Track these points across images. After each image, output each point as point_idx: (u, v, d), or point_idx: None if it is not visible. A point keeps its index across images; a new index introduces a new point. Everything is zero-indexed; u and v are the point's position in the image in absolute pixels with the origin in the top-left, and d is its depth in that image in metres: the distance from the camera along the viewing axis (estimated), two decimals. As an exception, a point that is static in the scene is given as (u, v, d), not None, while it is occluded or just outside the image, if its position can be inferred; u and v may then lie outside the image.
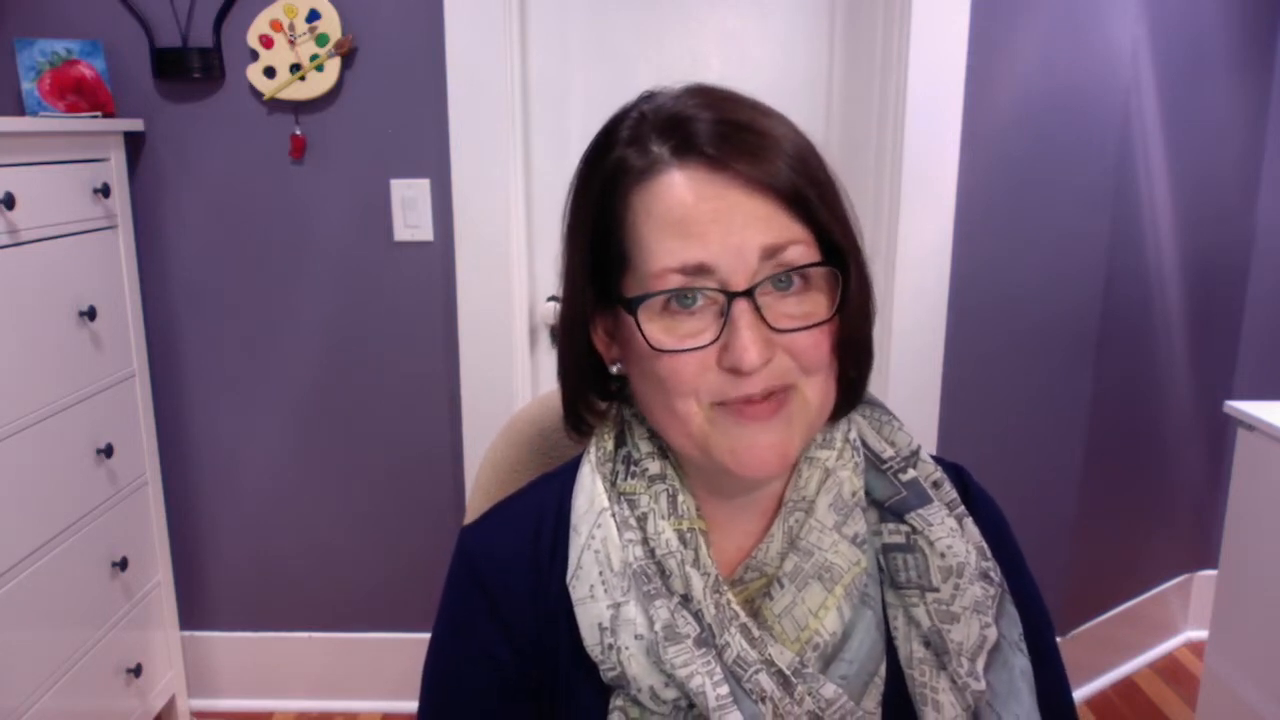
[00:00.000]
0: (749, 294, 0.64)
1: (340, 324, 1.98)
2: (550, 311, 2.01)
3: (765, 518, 0.74)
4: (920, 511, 0.72)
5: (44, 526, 1.63)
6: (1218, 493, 2.27)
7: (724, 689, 0.66)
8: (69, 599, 1.70)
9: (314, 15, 1.80)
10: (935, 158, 1.86)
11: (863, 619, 0.70)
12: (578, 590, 0.70)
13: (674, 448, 0.72)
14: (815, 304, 0.67)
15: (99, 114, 1.78)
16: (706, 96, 0.68)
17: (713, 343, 0.65)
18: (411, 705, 0.79)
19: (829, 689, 0.67)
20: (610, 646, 0.68)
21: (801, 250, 0.65)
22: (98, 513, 1.77)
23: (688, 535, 0.70)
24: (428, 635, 0.78)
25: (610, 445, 0.75)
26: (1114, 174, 1.89)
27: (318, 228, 1.93)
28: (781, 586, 0.70)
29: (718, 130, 0.65)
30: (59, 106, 1.77)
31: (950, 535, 0.71)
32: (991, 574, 0.72)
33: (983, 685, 0.69)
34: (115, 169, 1.82)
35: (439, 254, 1.93)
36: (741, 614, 0.69)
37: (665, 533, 0.70)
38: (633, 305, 0.66)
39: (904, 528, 0.73)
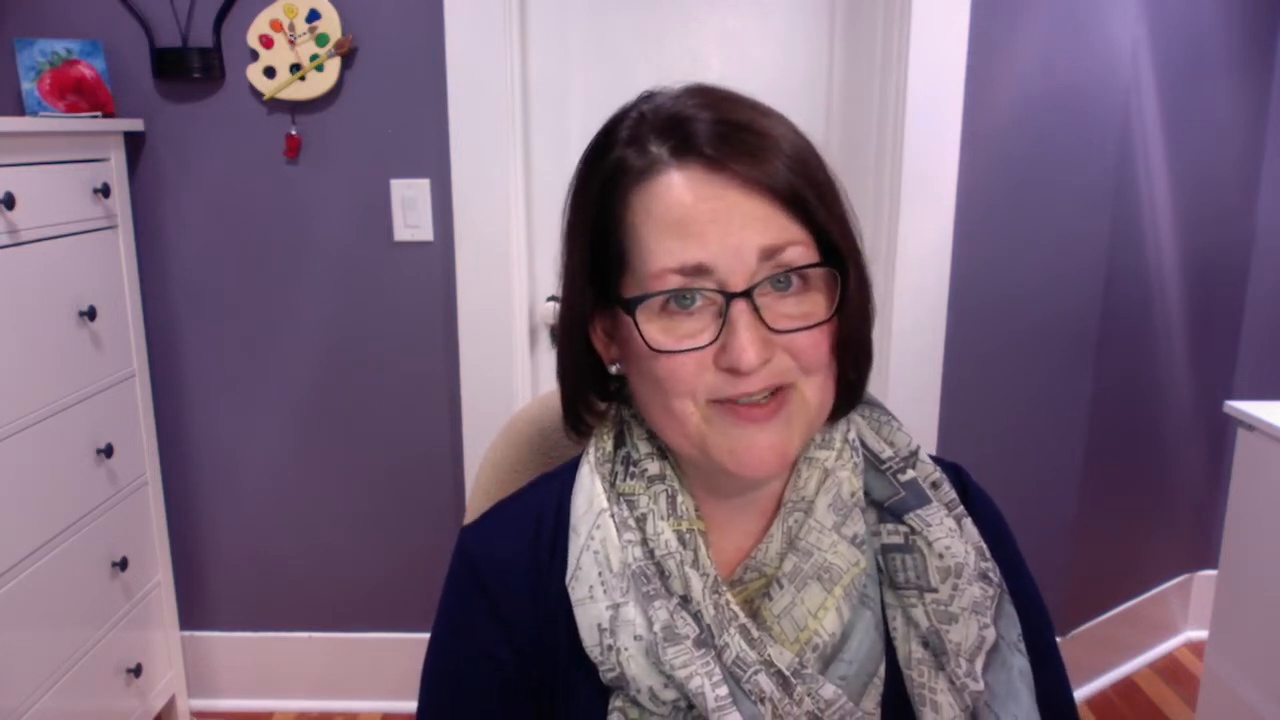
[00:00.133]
0: (747, 294, 0.64)
1: (340, 324, 1.98)
2: (550, 311, 2.01)
3: (764, 518, 0.74)
4: (919, 512, 0.72)
5: (44, 526, 1.63)
6: (1218, 493, 2.27)
7: (723, 690, 0.66)
8: (69, 599, 1.70)
9: (314, 15, 1.80)
10: (935, 158, 1.86)
11: (862, 619, 0.70)
12: (577, 591, 0.70)
13: (672, 448, 0.72)
14: (814, 304, 0.67)
15: (99, 114, 1.78)
16: (706, 97, 0.68)
17: (711, 343, 0.65)
18: (411, 705, 0.79)
19: (828, 689, 0.67)
20: (609, 647, 0.68)
21: (800, 251, 0.65)
22: (98, 513, 1.77)
23: (687, 536, 0.70)
24: (428, 635, 0.78)
25: (609, 446, 0.75)
26: (1114, 174, 1.89)
27: (318, 228, 1.93)
28: (781, 587, 0.70)
29: (717, 130, 0.65)
30: (59, 106, 1.77)
31: (949, 536, 0.71)
32: (990, 574, 0.72)
33: (981, 686, 0.69)
34: (115, 169, 1.82)
35: (439, 254, 1.93)
36: (741, 615, 0.69)
37: (664, 533, 0.70)
38: (631, 306, 0.66)
39: (903, 528, 0.73)
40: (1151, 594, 2.32)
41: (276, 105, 1.86)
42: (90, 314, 1.72)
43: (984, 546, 0.73)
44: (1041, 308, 1.96)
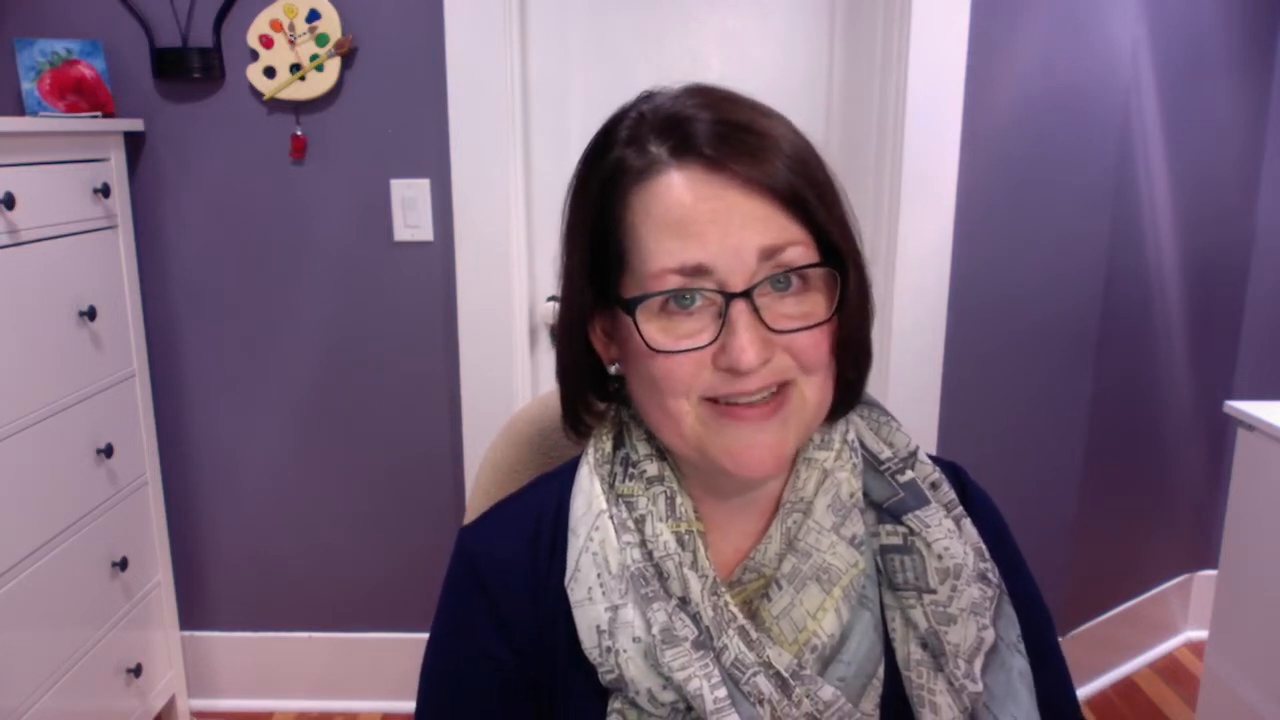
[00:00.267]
0: (747, 295, 0.64)
1: (340, 324, 1.98)
2: (550, 311, 2.01)
3: (763, 519, 0.74)
4: (918, 513, 0.72)
5: (44, 526, 1.63)
6: (1218, 493, 2.27)
7: (722, 691, 0.66)
8: (69, 599, 1.70)
9: (314, 15, 1.80)
10: (935, 158, 1.86)
11: (861, 620, 0.70)
12: (576, 592, 0.70)
13: (670, 448, 0.72)
14: (814, 304, 0.67)
15: (99, 114, 1.78)
16: (705, 97, 0.68)
17: (711, 343, 0.65)
18: (411, 705, 0.79)
19: (827, 691, 0.67)
20: (608, 649, 0.68)
21: (800, 251, 0.65)
22: (98, 513, 1.77)
23: (685, 537, 0.70)
24: (427, 635, 0.78)
25: (609, 447, 0.75)
26: (1114, 174, 1.89)
27: (318, 228, 1.93)
28: (779, 588, 0.70)
29: (716, 131, 0.65)
30: (59, 106, 1.77)
31: (948, 537, 0.71)
32: (989, 575, 0.72)
33: (980, 687, 0.69)
34: (115, 169, 1.82)
35: (439, 254, 1.93)
36: (739, 616, 0.69)
37: (663, 535, 0.70)
38: (631, 306, 0.66)
39: (901, 529, 0.72)
40: (1151, 594, 2.32)
41: (278, 105, 1.86)
42: (90, 314, 1.72)
43: (983, 547, 0.73)
44: (1041, 308, 1.96)
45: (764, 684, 0.67)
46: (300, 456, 2.04)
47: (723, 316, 0.65)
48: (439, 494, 2.05)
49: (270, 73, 1.83)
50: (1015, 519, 0.83)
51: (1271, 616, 1.54)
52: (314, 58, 1.82)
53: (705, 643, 0.67)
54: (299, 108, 1.86)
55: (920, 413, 1.97)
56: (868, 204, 1.93)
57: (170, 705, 2.07)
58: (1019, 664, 0.71)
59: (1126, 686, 2.24)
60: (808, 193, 0.65)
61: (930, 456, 0.76)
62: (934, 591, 0.70)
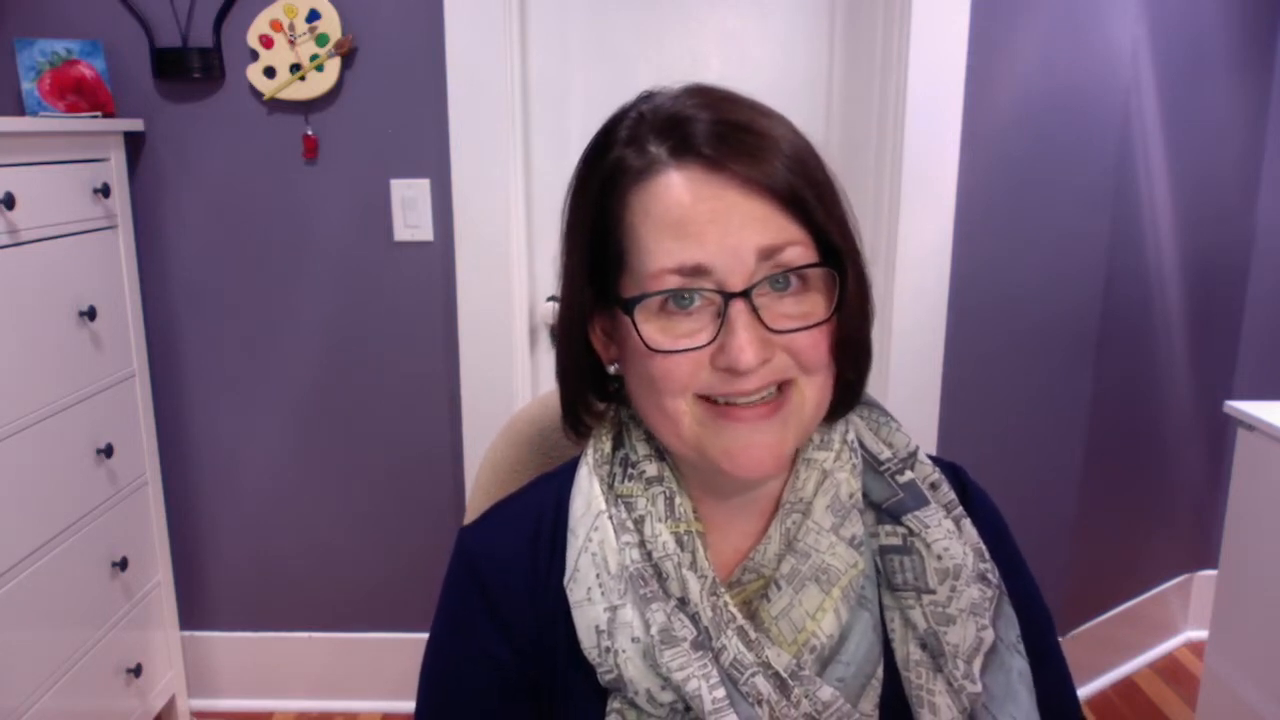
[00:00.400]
0: (746, 295, 0.64)
1: (340, 324, 1.98)
2: (550, 311, 2.01)
3: (763, 519, 0.74)
4: (917, 513, 0.72)
5: (44, 526, 1.63)
6: (1218, 493, 2.27)
7: (720, 692, 0.66)
8: (69, 599, 1.70)
9: (314, 15, 1.80)
10: (935, 158, 1.86)
11: (860, 621, 0.70)
12: (575, 593, 0.70)
13: (669, 448, 0.72)
14: (813, 304, 0.67)
15: (99, 114, 1.78)
16: (705, 97, 0.68)
17: (709, 343, 0.65)
18: (411, 705, 0.79)
19: (826, 691, 0.67)
20: (607, 649, 0.68)
21: (799, 251, 0.65)
22: (98, 513, 1.77)
23: (685, 538, 0.70)
24: (427, 635, 0.78)
25: (608, 447, 0.75)
26: (1114, 174, 1.89)
27: (318, 228, 1.93)
28: (779, 588, 0.70)
29: (715, 131, 0.65)
30: (59, 106, 1.77)
31: (947, 537, 0.71)
32: (989, 575, 0.72)
33: (979, 687, 0.69)
34: (115, 169, 1.82)
35: (439, 254, 1.93)
36: (738, 616, 0.69)
37: (662, 535, 0.70)
38: (630, 306, 0.66)
39: (901, 529, 0.72)
40: (1151, 594, 2.32)
41: (278, 105, 1.86)
42: (90, 314, 1.72)
43: (983, 547, 0.73)
44: (1041, 308, 1.96)
45: (762, 684, 0.67)
46: (300, 456, 2.04)
47: (721, 316, 0.65)
48: (439, 494, 2.05)
49: (270, 73, 1.83)
50: (1015, 519, 0.83)
51: (1271, 616, 1.54)
52: (314, 58, 1.82)
53: (704, 643, 0.67)
54: (300, 107, 1.86)
55: (920, 413, 1.97)
56: (868, 204, 1.93)
57: (170, 705, 2.07)
58: (1018, 664, 0.71)
59: (1126, 686, 2.24)
60: (807, 193, 0.65)
61: (930, 457, 0.76)
62: (933, 592, 0.70)
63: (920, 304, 1.93)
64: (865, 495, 0.74)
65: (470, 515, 0.89)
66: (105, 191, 1.77)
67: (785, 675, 0.67)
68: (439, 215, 1.91)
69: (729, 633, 0.68)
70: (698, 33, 1.92)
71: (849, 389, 0.73)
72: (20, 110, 1.79)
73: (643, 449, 0.74)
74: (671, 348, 0.66)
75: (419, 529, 2.07)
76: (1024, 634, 0.73)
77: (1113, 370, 2.03)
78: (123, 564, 1.83)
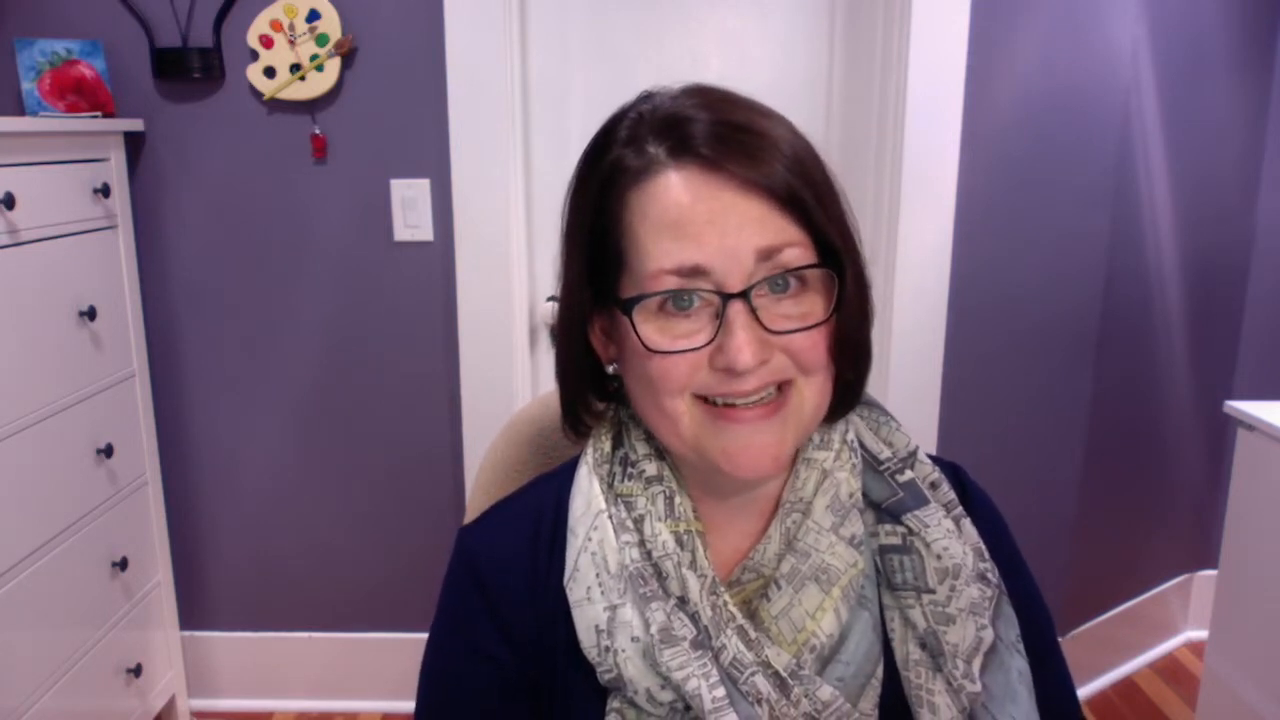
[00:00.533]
0: (744, 296, 0.64)
1: (340, 324, 1.98)
2: (550, 311, 2.00)
3: (762, 519, 0.74)
4: (917, 513, 0.72)
5: (44, 526, 1.63)
6: (1218, 493, 2.27)
7: (720, 691, 0.66)
8: (69, 599, 1.70)
9: (314, 15, 1.80)
10: (935, 158, 1.86)
11: (859, 621, 0.70)
12: (575, 592, 0.70)
13: (668, 448, 0.72)
14: (812, 305, 0.67)
15: (99, 114, 1.78)
16: (704, 97, 0.68)
17: (708, 344, 0.65)
18: (411, 705, 0.79)
19: (825, 691, 0.67)
20: (607, 649, 0.68)
21: (797, 252, 0.65)
22: (98, 513, 1.77)
23: (684, 537, 0.70)
24: (427, 635, 0.78)
25: (608, 447, 0.75)
26: (1114, 174, 1.89)
27: (318, 228, 1.93)
28: (779, 588, 0.70)
29: (714, 131, 0.65)
30: (59, 106, 1.77)
31: (947, 537, 0.71)
32: (989, 575, 0.72)
33: (978, 687, 0.69)
34: (115, 169, 1.82)
35: (439, 254, 1.93)
36: (738, 616, 0.69)
37: (662, 535, 0.70)
38: (628, 306, 0.66)
39: (901, 529, 0.72)
40: (1151, 594, 2.31)
41: (278, 105, 1.86)
42: (90, 314, 1.72)
43: (983, 547, 0.73)
44: (1041, 308, 1.96)
45: (762, 684, 0.67)
46: (300, 456, 2.04)
47: (720, 317, 0.65)
48: (439, 494, 2.05)
49: (270, 73, 1.83)
50: (1015, 519, 0.83)
51: (1271, 616, 1.54)
52: (314, 58, 1.82)
53: (704, 642, 0.67)
54: (303, 107, 1.86)
55: (920, 413, 1.97)
56: (868, 204, 1.93)
57: (170, 705, 2.07)
58: (1018, 664, 0.71)
59: (1126, 686, 2.24)
60: (805, 193, 0.65)
61: (930, 456, 0.76)
62: (933, 591, 0.70)
63: (920, 304, 1.93)
64: (865, 495, 0.74)
65: (470, 515, 0.89)
66: (105, 191, 1.77)
67: (785, 675, 0.67)
68: (439, 215, 1.91)
69: (729, 632, 0.68)
70: (698, 33, 1.92)
71: (848, 390, 0.73)
72: (20, 110, 1.79)
73: (642, 448, 0.74)
74: (670, 348, 0.66)
75: (419, 529, 2.07)
76: (1024, 634, 0.73)
77: (1113, 370, 2.03)
78: (123, 564, 1.83)
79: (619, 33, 1.91)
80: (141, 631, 1.93)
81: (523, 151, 1.91)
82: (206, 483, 2.06)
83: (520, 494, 0.80)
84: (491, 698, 0.73)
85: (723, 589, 0.70)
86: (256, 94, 1.86)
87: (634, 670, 0.67)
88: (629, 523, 0.71)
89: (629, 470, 0.73)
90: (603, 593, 0.69)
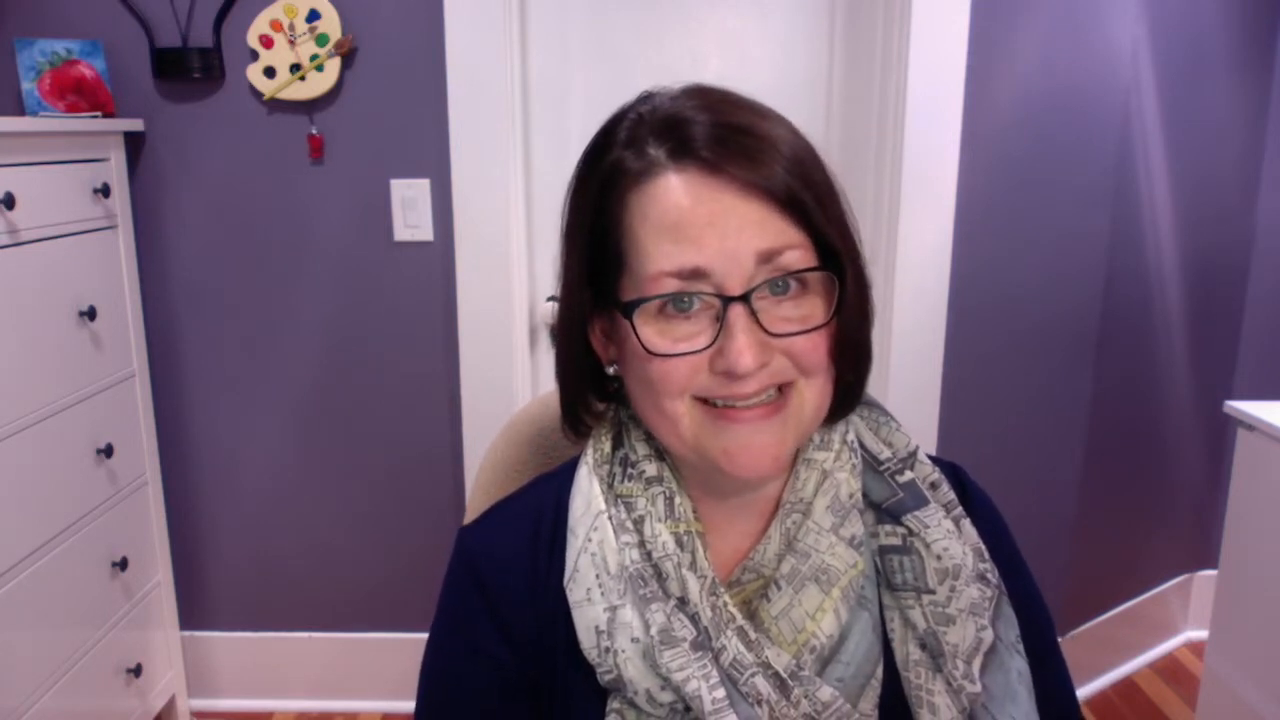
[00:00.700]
0: (745, 299, 0.64)
1: (340, 324, 1.98)
2: (550, 311, 2.00)
3: (762, 519, 0.74)
4: (917, 513, 0.72)
5: (44, 526, 1.63)
6: (1218, 493, 2.27)
7: (720, 692, 0.66)
8: (69, 599, 1.70)
9: (314, 15, 1.80)
10: (935, 158, 1.86)
11: (859, 621, 0.70)
12: (575, 593, 0.70)
13: (668, 449, 0.72)
14: (812, 307, 0.67)
15: (99, 114, 1.78)
16: (704, 98, 0.68)
17: (708, 346, 0.65)
18: (411, 705, 0.79)
19: (825, 692, 0.67)
20: (607, 649, 0.68)
21: (798, 254, 0.65)
22: (98, 513, 1.77)
23: (684, 538, 0.70)
24: (427, 635, 0.78)
25: (608, 447, 0.75)
26: (1114, 174, 1.89)
27: (318, 228, 1.93)
28: (779, 588, 0.70)
29: (714, 133, 0.65)
30: (59, 106, 1.77)
31: (947, 537, 0.71)
32: (989, 575, 0.72)
33: (978, 688, 0.69)
34: (115, 169, 1.82)
35: (439, 254, 1.93)
36: (738, 616, 0.69)
37: (662, 536, 0.70)
38: (628, 309, 0.66)
39: (900, 529, 0.72)
40: (1151, 594, 2.32)
41: (278, 105, 1.86)
42: (90, 314, 1.72)
43: (983, 547, 0.73)
44: (1041, 308, 1.96)
45: (762, 684, 0.67)
46: (300, 456, 2.04)
47: (720, 320, 0.65)
48: (439, 494, 2.05)
49: (270, 73, 1.83)
50: (1015, 519, 0.83)
51: (1271, 616, 1.54)
52: (314, 58, 1.82)
53: (704, 643, 0.67)
54: (300, 107, 1.86)
55: (920, 413, 1.97)
56: (868, 204, 1.93)
57: (170, 705, 2.07)
58: (1018, 664, 0.71)
59: (1126, 686, 2.24)
60: (805, 195, 0.65)
61: (930, 457, 0.76)
62: (933, 592, 0.70)
63: (920, 304, 1.93)
64: (865, 495, 0.74)
65: (470, 515, 0.89)
66: (105, 191, 1.77)
67: (785, 675, 0.67)
68: (439, 215, 1.91)
69: (729, 633, 0.68)
70: (698, 33, 1.92)
71: (849, 391, 0.73)
72: (20, 110, 1.79)
73: (642, 449, 0.74)
74: (670, 351, 0.66)
75: (419, 529, 2.07)
76: (1024, 634, 0.73)
77: (1113, 370, 2.03)
78: (123, 564, 1.83)
79: (619, 33, 1.91)
80: (141, 631, 1.93)
81: (523, 151, 1.91)
82: (206, 483, 2.06)
83: (520, 494, 0.80)
84: (491, 698, 0.73)
85: (722, 590, 0.70)
86: (256, 94, 1.86)
87: (634, 671, 0.67)
88: (629, 523, 0.71)
89: (629, 471, 0.73)
90: (603, 594, 0.69)
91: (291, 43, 1.81)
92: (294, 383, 2.01)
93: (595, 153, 0.70)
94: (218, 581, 2.12)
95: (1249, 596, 1.60)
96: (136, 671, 1.89)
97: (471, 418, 1.98)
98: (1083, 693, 2.18)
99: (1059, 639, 0.82)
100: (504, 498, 0.81)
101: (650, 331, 0.66)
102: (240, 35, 1.82)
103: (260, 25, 1.81)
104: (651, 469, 0.73)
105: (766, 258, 0.64)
